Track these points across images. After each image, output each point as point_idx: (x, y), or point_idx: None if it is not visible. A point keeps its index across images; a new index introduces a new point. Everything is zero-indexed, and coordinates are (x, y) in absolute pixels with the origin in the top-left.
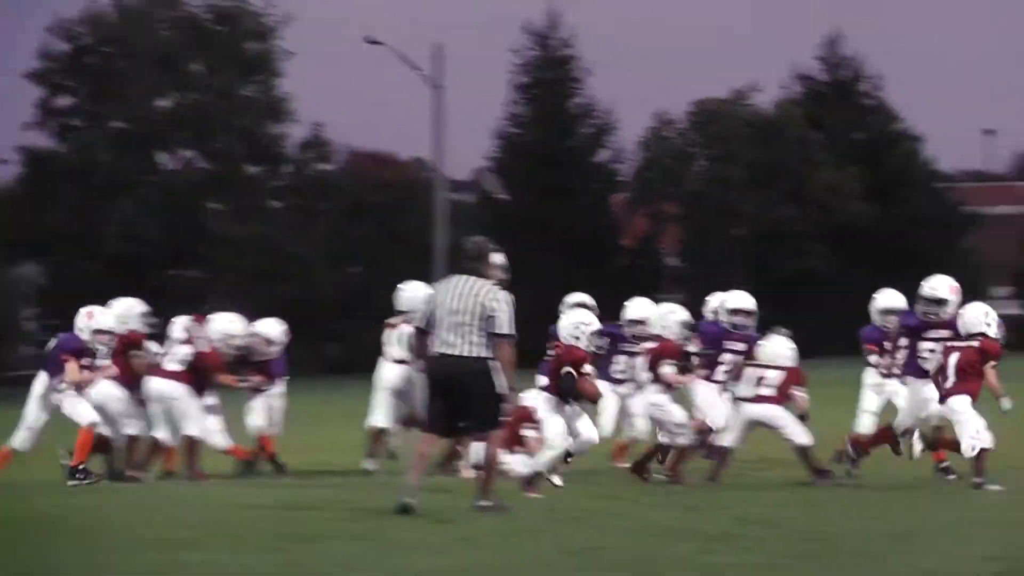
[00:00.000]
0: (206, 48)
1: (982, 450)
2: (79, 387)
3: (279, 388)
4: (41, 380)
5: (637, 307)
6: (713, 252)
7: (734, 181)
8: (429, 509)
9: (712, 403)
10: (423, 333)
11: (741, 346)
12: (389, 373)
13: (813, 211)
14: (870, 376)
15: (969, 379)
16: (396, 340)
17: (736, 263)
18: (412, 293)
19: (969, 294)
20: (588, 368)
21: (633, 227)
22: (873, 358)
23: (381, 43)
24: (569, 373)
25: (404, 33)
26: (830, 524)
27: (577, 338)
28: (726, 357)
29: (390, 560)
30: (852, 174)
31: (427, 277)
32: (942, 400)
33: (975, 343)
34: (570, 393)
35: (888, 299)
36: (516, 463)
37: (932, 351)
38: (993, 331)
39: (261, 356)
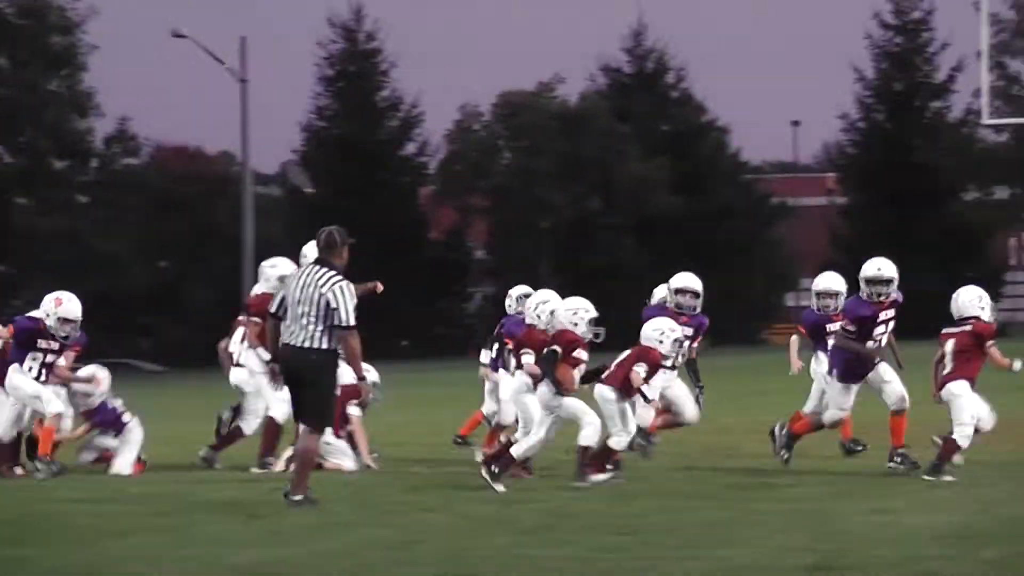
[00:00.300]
0: (10, 42)
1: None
2: None
3: (133, 423)
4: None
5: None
6: (521, 245)
7: (541, 173)
8: (241, 502)
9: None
10: (276, 319)
11: (688, 329)
12: (233, 375)
13: (621, 203)
14: (815, 361)
15: (966, 363)
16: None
17: (544, 255)
18: None
19: (779, 285)
20: (581, 354)
21: (441, 220)
22: (794, 337)
23: (186, 36)
24: (553, 351)
25: (210, 27)
26: (646, 516)
27: (575, 324)
28: None
29: (199, 554)
30: (659, 165)
31: (236, 270)
32: (940, 386)
33: (968, 327)
34: (547, 372)
35: (827, 281)
36: (339, 449)
37: (883, 333)
38: (987, 314)
39: (85, 406)
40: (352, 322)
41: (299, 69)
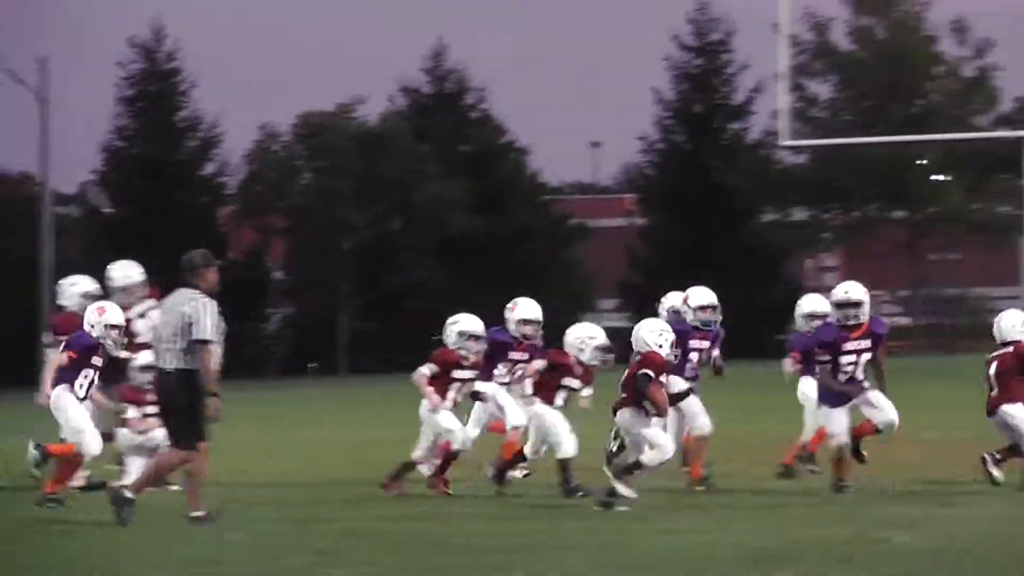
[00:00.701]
0: None
1: None
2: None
3: None
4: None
5: (527, 309)
6: (321, 265)
7: (340, 194)
8: (56, 521)
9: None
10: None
11: (706, 343)
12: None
13: (421, 223)
14: (805, 384)
15: (1011, 385)
16: None
17: (344, 276)
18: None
19: (576, 306)
20: (664, 378)
21: (240, 240)
22: (787, 362)
23: None
24: (645, 374)
25: (11, 47)
26: (449, 537)
27: (660, 345)
28: (692, 356)
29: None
30: (459, 186)
31: (34, 292)
32: (991, 411)
33: (1010, 349)
34: (642, 394)
35: (812, 303)
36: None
37: (853, 363)
38: None
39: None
40: (207, 336)
41: (100, 89)
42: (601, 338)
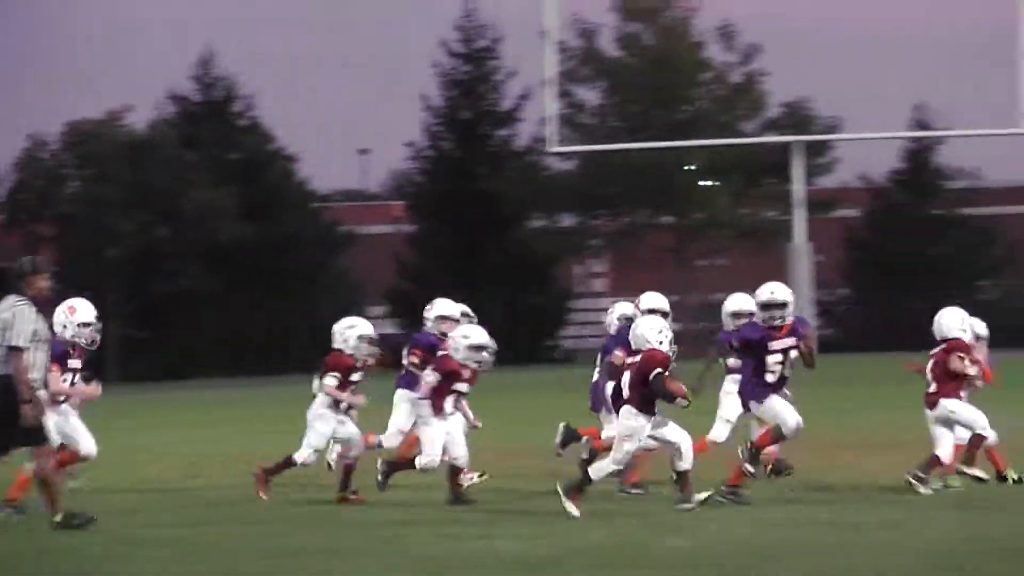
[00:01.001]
0: None
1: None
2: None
3: None
4: None
5: (443, 306)
6: (88, 274)
7: (109, 202)
8: None
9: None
10: None
11: None
12: None
13: (188, 231)
14: (730, 384)
15: (946, 381)
16: None
17: (113, 284)
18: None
19: (345, 312)
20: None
21: (8, 248)
22: (732, 361)
23: None
24: (659, 375)
25: None
26: (218, 543)
27: (661, 343)
28: None
29: None
30: (228, 194)
31: None
32: (930, 407)
33: (944, 346)
34: (664, 395)
35: (738, 303)
36: None
37: (780, 362)
38: (967, 336)
39: None
40: (18, 343)
41: None
42: (475, 337)
